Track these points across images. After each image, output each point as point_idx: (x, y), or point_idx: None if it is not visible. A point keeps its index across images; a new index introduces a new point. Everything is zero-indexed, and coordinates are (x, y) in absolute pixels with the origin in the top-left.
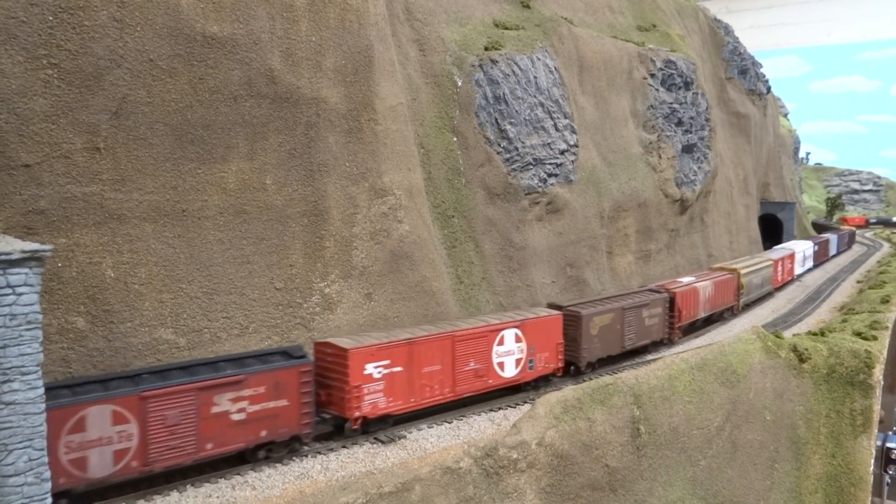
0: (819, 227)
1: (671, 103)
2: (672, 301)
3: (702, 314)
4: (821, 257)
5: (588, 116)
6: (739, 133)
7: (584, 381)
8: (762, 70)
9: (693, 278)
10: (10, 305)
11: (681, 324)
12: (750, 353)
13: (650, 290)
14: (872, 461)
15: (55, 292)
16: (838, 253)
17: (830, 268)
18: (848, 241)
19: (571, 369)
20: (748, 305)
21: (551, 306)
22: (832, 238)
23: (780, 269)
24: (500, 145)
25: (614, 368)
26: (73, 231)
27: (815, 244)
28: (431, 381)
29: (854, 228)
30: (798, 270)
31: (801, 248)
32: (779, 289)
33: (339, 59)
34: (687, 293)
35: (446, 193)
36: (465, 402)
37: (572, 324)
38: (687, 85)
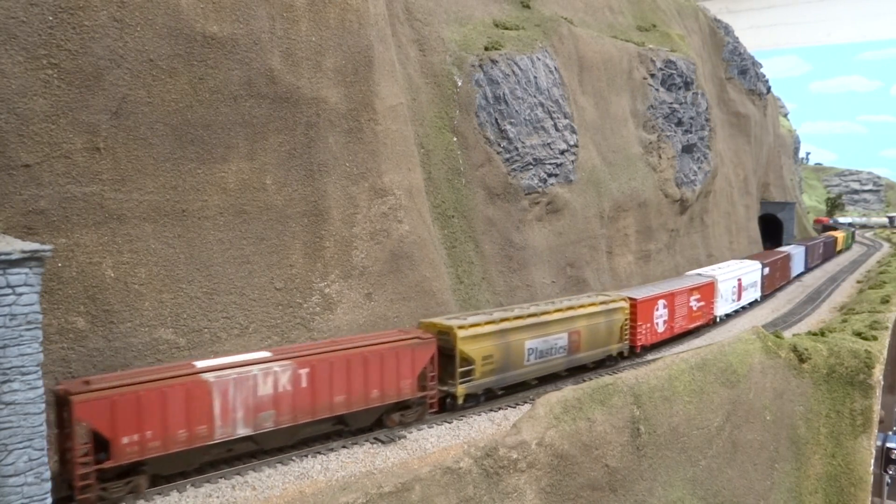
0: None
1: (671, 103)
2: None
3: (239, 432)
4: (778, 280)
5: (588, 116)
6: (739, 133)
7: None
8: (762, 70)
9: (228, 360)
10: (10, 305)
11: (115, 463)
12: (750, 353)
13: None
14: (872, 461)
15: (55, 292)
16: (808, 270)
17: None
18: (824, 253)
19: None
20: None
21: None
22: (795, 252)
23: (660, 313)
24: (500, 145)
25: (615, 369)
26: (73, 231)
27: (766, 265)
28: None
29: (836, 235)
30: (723, 308)
31: (733, 274)
32: (657, 346)
33: (339, 59)
34: (134, 399)
35: (446, 193)
36: None
37: None
38: (687, 85)
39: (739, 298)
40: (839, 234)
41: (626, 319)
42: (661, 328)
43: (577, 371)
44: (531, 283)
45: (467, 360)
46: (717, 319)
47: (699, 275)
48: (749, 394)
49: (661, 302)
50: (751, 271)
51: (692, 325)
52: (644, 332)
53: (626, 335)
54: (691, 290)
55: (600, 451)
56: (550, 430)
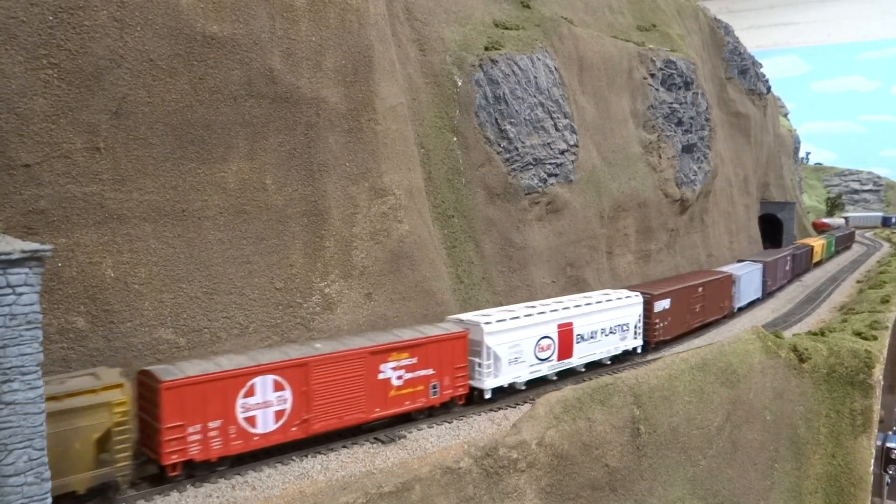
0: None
1: (671, 103)
2: None
3: None
4: (699, 316)
5: (588, 116)
6: (739, 133)
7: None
8: (762, 70)
9: None
10: (10, 305)
11: None
12: (750, 353)
13: None
14: (872, 461)
15: (55, 292)
16: (769, 294)
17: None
18: (793, 269)
19: None
20: None
21: None
22: (744, 273)
23: (261, 400)
24: (500, 145)
25: (615, 368)
26: (73, 231)
27: (666, 295)
28: None
29: (812, 244)
30: (507, 375)
31: (552, 317)
32: (265, 452)
33: (339, 59)
34: None
35: (446, 193)
36: None
37: None
38: (687, 85)
39: (567, 355)
40: (817, 243)
41: (116, 424)
42: (267, 425)
43: None
44: (531, 283)
45: None
46: (487, 395)
47: (459, 321)
48: (749, 394)
49: (263, 380)
50: (615, 308)
51: (385, 413)
52: (197, 437)
53: (121, 450)
54: (382, 353)
55: (600, 450)
56: (550, 429)
